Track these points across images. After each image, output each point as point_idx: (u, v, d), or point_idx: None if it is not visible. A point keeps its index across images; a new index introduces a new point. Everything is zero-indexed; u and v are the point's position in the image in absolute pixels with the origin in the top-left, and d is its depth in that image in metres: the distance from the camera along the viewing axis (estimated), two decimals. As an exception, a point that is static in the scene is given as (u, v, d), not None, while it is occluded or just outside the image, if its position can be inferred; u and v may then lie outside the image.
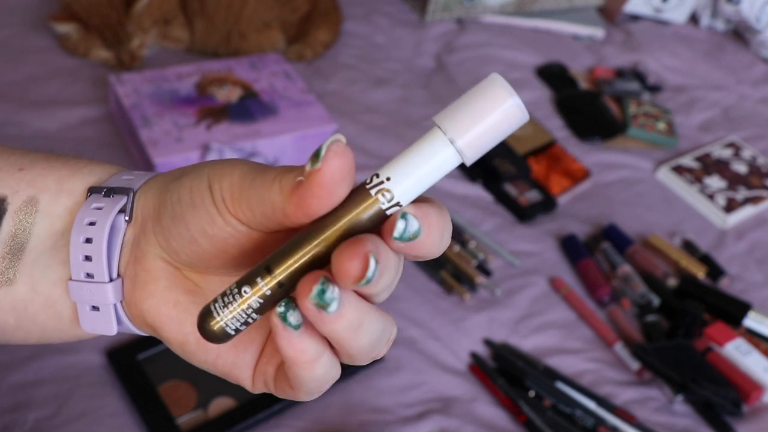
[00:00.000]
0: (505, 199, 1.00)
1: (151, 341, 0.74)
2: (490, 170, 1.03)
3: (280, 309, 0.30)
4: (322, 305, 0.28)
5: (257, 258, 0.33)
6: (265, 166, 0.32)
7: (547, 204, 1.01)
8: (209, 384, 0.73)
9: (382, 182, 0.29)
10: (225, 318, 0.31)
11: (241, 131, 0.92)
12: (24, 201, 0.36)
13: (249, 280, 0.30)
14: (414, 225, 0.29)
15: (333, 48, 1.19)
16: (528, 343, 0.85)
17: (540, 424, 0.75)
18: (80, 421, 0.68)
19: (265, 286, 0.30)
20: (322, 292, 0.28)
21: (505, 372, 0.80)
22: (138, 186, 0.36)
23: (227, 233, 0.32)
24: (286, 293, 0.30)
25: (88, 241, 0.35)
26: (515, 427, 0.76)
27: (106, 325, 0.36)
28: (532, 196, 1.01)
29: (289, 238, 0.31)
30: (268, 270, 0.30)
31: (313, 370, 0.31)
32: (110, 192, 0.35)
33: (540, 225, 0.99)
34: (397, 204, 0.29)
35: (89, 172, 0.37)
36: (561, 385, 0.80)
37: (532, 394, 0.79)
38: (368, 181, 0.30)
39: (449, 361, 0.81)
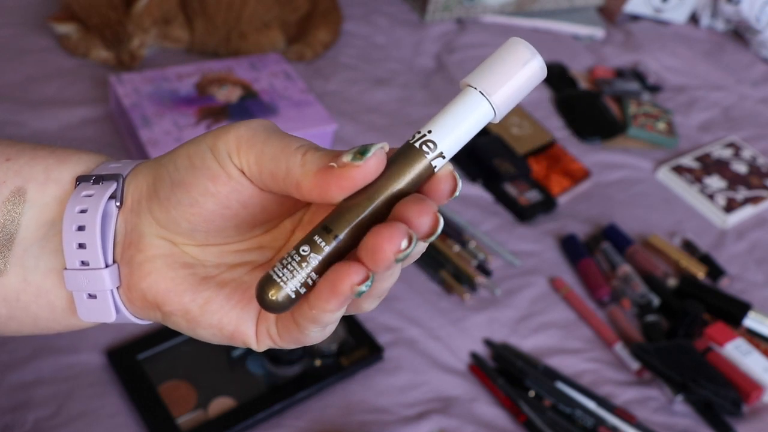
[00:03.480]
0: (505, 199, 1.00)
1: (151, 341, 0.74)
2: (490, 170, 1.03)
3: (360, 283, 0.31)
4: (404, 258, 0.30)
5: (260, 219, 0.34)
6: (277, 129, 0.33)
7: (547, 204, 1.01)
8: (209, 384, 0.73)
9: (429, 140, 0.31)
10: (288, 281, 0.31)
11: (241, 131, 0.91)
12: (12, 191, 0.36)
13: (308, 241, 0.31)
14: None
15: (333, 48, 1.19)
16: (528, 343, 0.85)
17: (540, 424, 0.75)
18: (80, 421, 0.68)
19: (324, 243, 0.31)
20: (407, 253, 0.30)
21: (505, 372, 0.80)
22: (127, 172, 0.36)
23: (230, 188, 0.33)
24: (344, 249, 0.31)
25: (81, 228, 0.35)
26: (515, 427, 0.76)
27: (104, 313, 0.36)
28: (532, 196, 1.01)
29: (289, 200, 0.34)
30: (326, 229, 0.31)
31: (338, 312, 0.32)
32: (99, 179, 0.35)
33: (540, 225, 0.99)
34: (441, 155, 0.31)
35: (77, 161, 0.37)
36: (561, 385, 0.80)
37: (532, 394, 0.79)
38: (412, 138, 0.31)
39: (449, 361, 0.81)
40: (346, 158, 0.30)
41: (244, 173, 0.33)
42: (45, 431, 0.67)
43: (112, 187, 0.35)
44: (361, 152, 0.30)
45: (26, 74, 1.01)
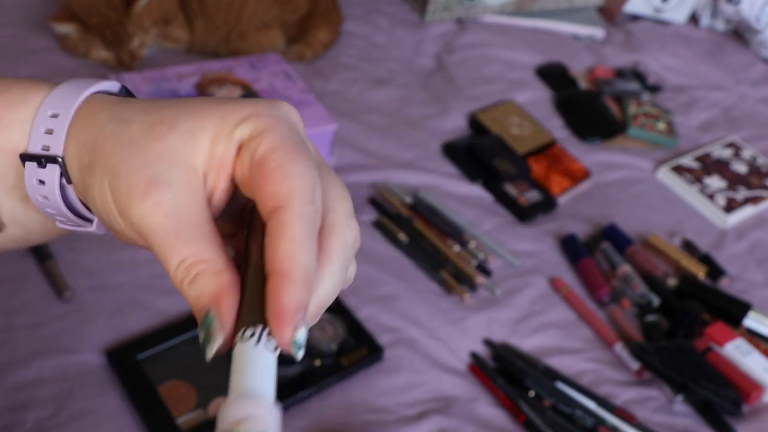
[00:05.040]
0: (505, 199, 1.00)
1: (151, 341, 0.74)
2: (490, 170, 1.03)
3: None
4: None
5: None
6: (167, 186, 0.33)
7: (547, 204, 1.01)
8: (209, 384, 0.73)
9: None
10: None
11: (241, 131, 0.92)
12: None
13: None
14: None
15: (333, 48, 1.19)
16: (528, 343, 0.85)
17: (540, 424, 0.75)
18: (80, 421, 0.68)
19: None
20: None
21: (505, 372, 0.80)
22: (63, 144, 0.35)
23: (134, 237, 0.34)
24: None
25: (46, 199, 0.37)
26: (515, 427, 0.76)
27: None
28: (532, 196, 1.01)
29: None
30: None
31: None
32: (42, 160, 0.36)
33: (540, 225, 0.99)
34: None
35: (9, 122, 0.37)
36: (561, 385, 0.80)
37: (532, 394, 0.79)
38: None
39: (449, 361, 0.81)
40: (204, 337, 0.32)
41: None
42: (45, 431, 0.67)
43: (57, 170, 0.36)
44: (205, 341, 0.31)
45: (26, 74, 1.01)
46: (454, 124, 1.12)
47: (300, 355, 0.30)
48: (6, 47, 1.05)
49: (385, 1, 1.33)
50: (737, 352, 0.85)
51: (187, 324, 0.76)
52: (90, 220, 0.37)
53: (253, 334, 0.30)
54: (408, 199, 0.96)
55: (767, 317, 0.91)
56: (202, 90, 0.96)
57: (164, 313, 0.77)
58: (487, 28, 1.33)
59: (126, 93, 0.38)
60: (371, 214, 0.94)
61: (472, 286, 0.88)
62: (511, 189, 1.01)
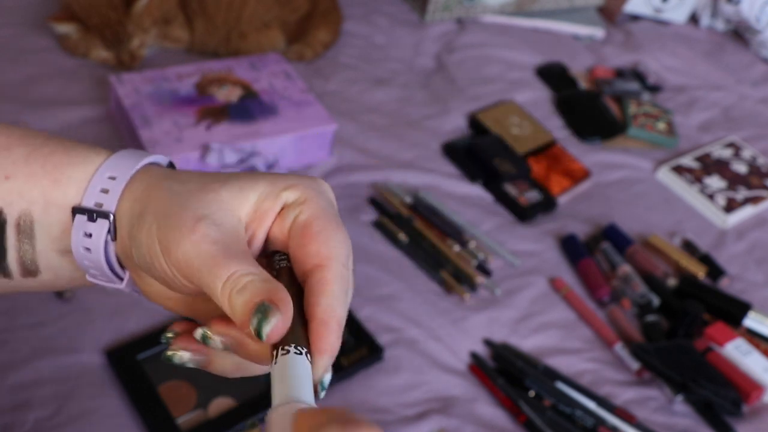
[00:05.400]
0: (505, 199, 1.00)
1: (151, 341, 0.74)
2: (490, 170, 1.03)
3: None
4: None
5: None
6: (215, 240, 0.36)
7: (547, 204, 1.01)
8: (209, 384, 0.73)
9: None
10: None
11: (240, 131, 0.92)
12: (17, 222, 0.39)
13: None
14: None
15: (333, 48, 1.19)
16: (528, 343, 0.85)
17: (540, 424, 0.75)
18: (80, 421, 0.68)
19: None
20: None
21: (505, 372, 0.80)
22: (116, 203, 0.39)
23: (188, 290, 0.37)
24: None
25: (90, 260, 0.39)
26: (515, 427, 0.76)
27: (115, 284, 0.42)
28: (532, 196, 1.01)
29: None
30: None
31: None
32: (92, 215, 0.39)
33: (540, 225, 0.99)
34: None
35: (68, 180, 0.39)
36: (561, 385, 0.80)
37: (532, 394, 0.79)
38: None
39: (449, 361, 0.81)
40: (252, 327, 0.34)
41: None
42: (45, 431, 0.67)
43: (106, 225, 0.38)
44: (258, 333, 0.33)
45: (26, 74, 1.01)
46: (454, 124, 1.12)
47: (323, 395, 0.34)
48: (6, 47, 1.05)
49: (385, 1, 1.33)
50: (737, 352, 0.85)
51: (187, 324, 0.76)
52: (121, 278, 0.40)
53: (294, 351, 0.34)
54: (408, 199, 0.96)
55: (767, 317, 0.91)
56: (202, 90, 0.96)
57: (164, 313, 0.77)
58: (487, 28, 1.33)
59: (171, 166, 0.42)
60: (371, 214, 0.94)
61: (472, 286, 0.88)
62: (511, 189, 1.01)
